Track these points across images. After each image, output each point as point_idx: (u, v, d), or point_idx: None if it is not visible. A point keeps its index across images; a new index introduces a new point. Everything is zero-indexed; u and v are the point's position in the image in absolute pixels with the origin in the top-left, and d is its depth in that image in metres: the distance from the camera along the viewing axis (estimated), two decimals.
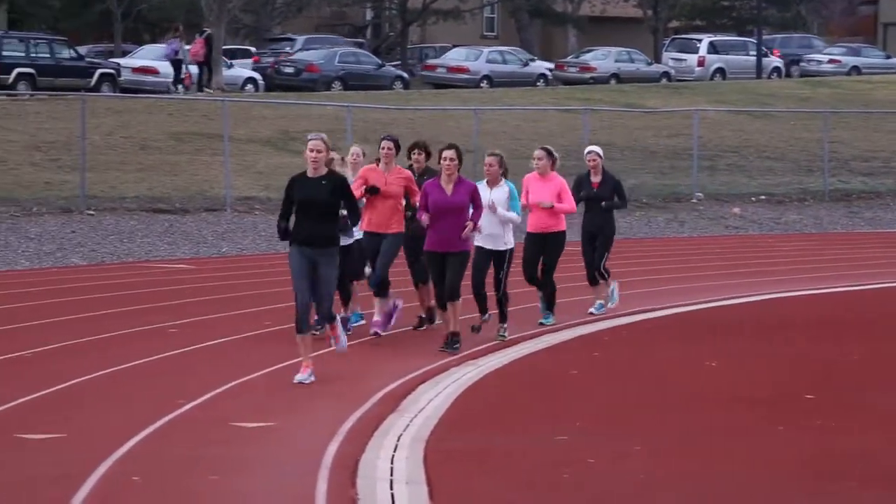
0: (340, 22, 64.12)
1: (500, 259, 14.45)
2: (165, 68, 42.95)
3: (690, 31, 62.60)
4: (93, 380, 11.99)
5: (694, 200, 31.45)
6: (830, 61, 56.97)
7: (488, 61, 50.25)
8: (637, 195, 31.11)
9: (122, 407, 10.93)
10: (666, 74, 53.11)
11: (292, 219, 12.00)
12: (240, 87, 43.96)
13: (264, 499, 8.55)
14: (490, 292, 14.53)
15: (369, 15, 64.75)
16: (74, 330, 14.57)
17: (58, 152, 29.33)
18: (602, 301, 16.48)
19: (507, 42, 61.11)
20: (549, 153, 15.47)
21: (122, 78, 41.08)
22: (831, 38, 63.71)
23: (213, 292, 17.84)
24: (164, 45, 43.60)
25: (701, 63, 53.95)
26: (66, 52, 40.41)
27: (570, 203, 15.35)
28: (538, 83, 49.96)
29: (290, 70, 46.19)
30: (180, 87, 41.67)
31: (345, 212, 12.10)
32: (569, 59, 54.23)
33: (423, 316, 15.07)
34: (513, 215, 14.36)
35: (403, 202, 14.35)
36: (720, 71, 54.10)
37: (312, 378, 11.81)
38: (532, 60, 51.71)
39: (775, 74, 55.39)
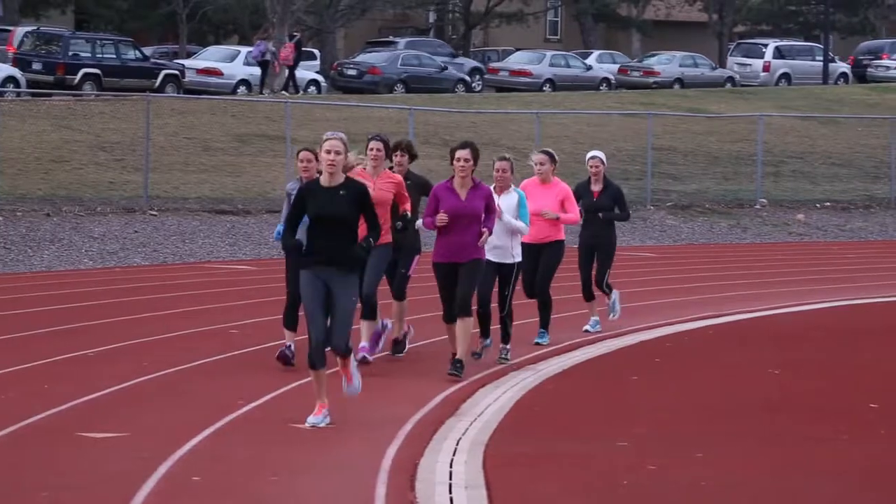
0: (404, 24, 64.23)
1: (507, 273, 13.05)
2: (229, 70, 43.24)
3: (756, 36, 62.20)
4: (154, 379, 12.04)
5: (757, 206, 31.22)
6: None
7: (551, 65, 50.16)
8: (699, 200, 30.93)
9: (183, 407, 10.97)
10: (730, 79, 52.80)
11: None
12: (303, 89, 44.15)
13: (323, 501, 8.54)
14: (495, 302, 13.18)
15: (432, 17, 64.81)
16: (136, 329, 14.65)
17: (122, 152, 29.56)
18: (597, 317, 15.41)
19: (570, 46, 60.96)
20: (552, 157, 14.27)
21: (186, 79, 41.36)
22: None
23: (273, 294, 17.88)
24: (252, 47, 44.25)
25: (766, 68, 53.59)
26: (132, 53, 40.74)
27: (575, 212, 14.27)
28: (601, 87, 49.80)
29: (352, 72, 46.32)
30: (266, 91, 42.13)
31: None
32: (632, 63, 54.02)
33: (399, 339, 13.45)
34: (521, 224, 13.02)
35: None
36: (785, 76, 53.72)
37: (328, 420, 10.22)
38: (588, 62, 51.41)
39: (842, 80, 54.92)
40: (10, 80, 36.99)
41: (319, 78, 45.88)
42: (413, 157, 13.27)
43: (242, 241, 23.80)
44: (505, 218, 12.81)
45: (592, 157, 15.36)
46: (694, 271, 22.04)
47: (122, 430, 10.04)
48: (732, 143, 36.08)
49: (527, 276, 13.97)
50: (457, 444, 9.99)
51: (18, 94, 35.81)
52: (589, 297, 15.43)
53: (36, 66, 38.85)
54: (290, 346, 12.54)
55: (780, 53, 54.57)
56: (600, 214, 15.16)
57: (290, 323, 12.54)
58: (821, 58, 54.34)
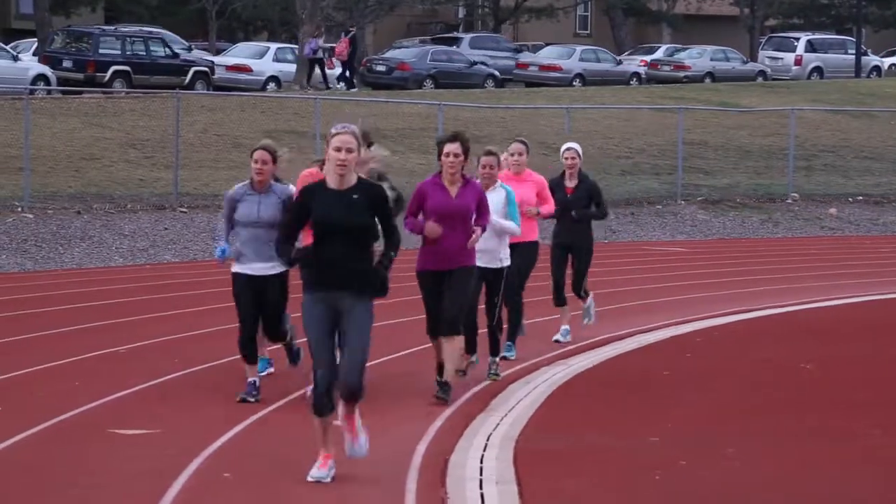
0: (433, 20, 64.20)
1: (495, 279, 11.73)
2: (259, 66, 43.31)
3: (787, 30, 61.91)
4: (186, 376, 12.05)
5: (789, 201, 31.07)
6: None
7: (581, 59, 50.05)
8: (731, 195, 30.80)
9: (215, 403, 10.97)
10: (762, 73, 52.57)
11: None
12: (333, 85, 44.19)
13: (354, 498, 8.52)
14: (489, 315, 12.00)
15: (461, 13, 64.77)
16: (167, 326, 14.67)
17: (152, 149, 29.62)
18: (568, 326, 14.15)
19: (600, 41, 60.84)
20: (528, 147, 12.96)
21: (215, 76, 41.45)
22: None
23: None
24: (305, 44, 44.70)
25: (798, 62, 53.32)
26: (162, 50, 40.84)
27: (552, 204, 13.00)
28: (631, 82, 49.66)
29: (381, 68, 46.32)
30: (319, 84, 42.59)
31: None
32: (662, 57, 53.87)
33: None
34: (511, 225, 11.73)
35: None
36: (818, 70, 53.45)
37: (333, 473, 8.60)
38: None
39: (874, 73, 54.59)
40: (41, 78, 37.14)
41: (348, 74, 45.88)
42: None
43: None
44: (494, 220, 11.44)
45: (568, 149, 14.03)
46: (725, 266, 21.94)
47: (153, 427, 10.05)
48: (764, 137, 35.92)
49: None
50: (487, 440, 9.96)
51: (49, 92, 35.95)
52: (560, 301, 14.11)
53: (66, 63, 39.00)
54: (255, 381, 11.00)
55: (812, 47, 54.29)
56: (573, 213, 13.89)
57: (252, 355, 11.04)
58: (853, 51, 54.03)
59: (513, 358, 12.86)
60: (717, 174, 32.68)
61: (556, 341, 14.08)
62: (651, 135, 34.45)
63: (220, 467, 9.02)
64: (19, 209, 24.18)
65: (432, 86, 45.08)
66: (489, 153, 11.87)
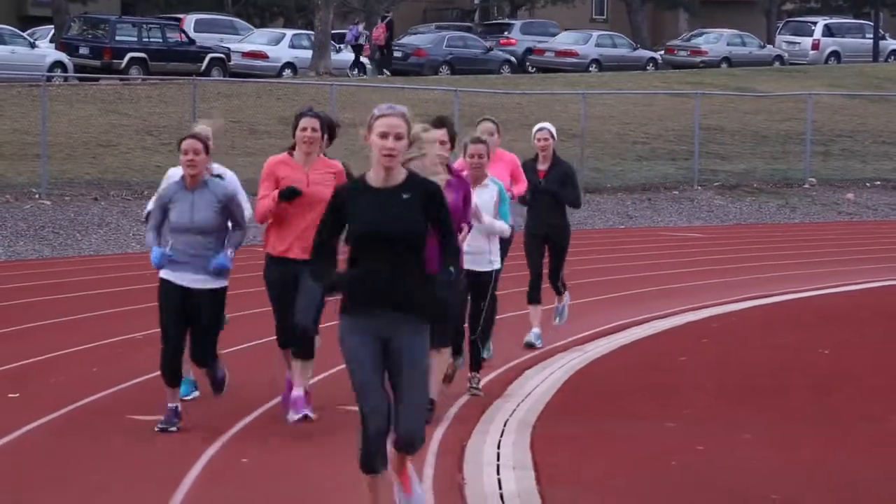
0: (448, 6, 64.12)
1: (483, 283, 10.42)
2: (275, 52, 43.33)
3: (805, 14, 61.70)
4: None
5: (806, 186, 31.01)
6: None
7: (597, 45, 49.95)
8: (748, 180, 30.75)
9: (234, 389, 10.97)
10: (779, 58, 52.41)
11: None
12: (347, 71, 44.21)
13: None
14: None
15: None
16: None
17: (169, 136, 29.65)
18: (539, 329, 13.01)
19: (616, 26, 60.71)
20: (499, 126, 11.85)
21: (231, 62, 41.47)
22: None
23: None
24: (348, 31, 45.40)
25: (815, 46, 53.15)
26: (177, 37, 40.88)
27: (525, 182, 12.23)
28: (648, 67, 49.55)
29: (397, 54, 46.30)
30: (356, 71, 43.04)
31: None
32: (679, 42, 53.74)
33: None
34: (503, 225, 10.50)
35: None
36: (835, 54, 53.26)
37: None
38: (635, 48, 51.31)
39: (892, 58, 54.39)
40: (58, 65, 37.21)
41: (365, 60, 45.89)
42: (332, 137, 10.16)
43: None
44: (486, 220, 10.29)
45: (540, 130, 12.85)
46: (742, 252, 21.90)
47: None
48: (781, 122, 35.83)
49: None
50: (504, 426, 9.98)
51: (66, 79, 36.03)
52: (535, 298, 12.94)
53: (83, 50, 39.07)
54: (176, 408, 9.57)
55: (829, 31, 54.10)
56: (541, 185, 12.62)
57: (175, 376, 9.49)
58: (871, 35, 53.81)
59: (488, 357, 11.34)
60: (734, 159, 32.62)
61: (530, 345, 12.86)
62: (668, 120, 34.39)
63: (238, 453, 9.05)
64: (37, 196, 24.25)
65: (448, 72, 45.06)
66: (478, 140, 10.45)
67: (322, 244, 6.90)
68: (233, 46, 43.30)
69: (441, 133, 9.46)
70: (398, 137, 6.77)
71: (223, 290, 9.45)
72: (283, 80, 39.62)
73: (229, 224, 9.47)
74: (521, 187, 12.23)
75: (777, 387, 11.64)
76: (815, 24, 54.55)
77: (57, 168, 25.86)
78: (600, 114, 33.15)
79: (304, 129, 9.71)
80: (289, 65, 43.50)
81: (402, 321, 6.79)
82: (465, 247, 9.23)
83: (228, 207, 9.41)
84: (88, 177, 26.14)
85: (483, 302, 10.49)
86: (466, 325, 10.61)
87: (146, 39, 39.90)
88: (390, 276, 6.75)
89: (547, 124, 13.07)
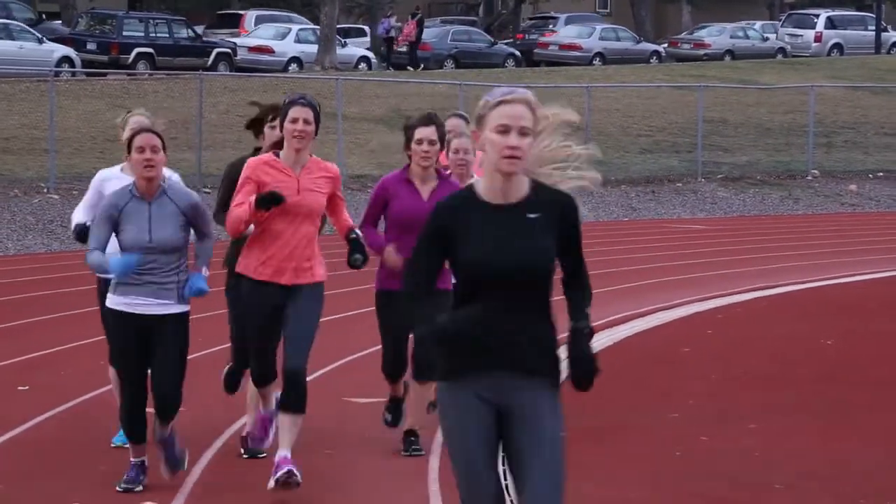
0: (452, 0, 64.12)
1: None
2: (281, 47, 43.41)
3: (807, 6, 61.66)
4: (209, 355, 12.15)
5: (809, 178, 31.06)
6: None
7: (601, 38, 49.96)
8: (751, 172, 30.80)
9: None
10: (782, 50, 52.41)
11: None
12: (353, 66, 44.25)
13: (376, 475, 8.62)
14: None
15: None
16: (193, 305, 14.75)
17: (175, 131, 29.68)
18: None
19: (620, 19, 60.69)
20: (467, 121, 9.79)
21: (238, 57, 41.56)
22: None
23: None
24: (379, 24, 46.16)
25: (818, 38, 53.13)
26: (184, 32, 40.97)
27: None
28: (651, 60, 49.58)
29: (402, 48, 46.35)
30: (385, 64, 43.62)
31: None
32: (682, 35, 53.76)
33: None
34: None
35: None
36: (837, 46, 53.26)
37: None
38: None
39: (895, 49, 54.38)
40: (66, 59, 37.32)
41: (369, 54, 45.95)
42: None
43: None
44: None
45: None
46: (745, 243, 21.98)
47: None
48: (784, 114, 35.87)
49: None
50: None
51: (73, 74, 36.13)
52: None
53: (90, 45, 39.17)
54: (142, 462, 8.03)
55: (831, 23, 54.09)
56: None
57: (139, 431, 7.84)
58: (873, 27, 53.80)
59: None
60: (737, 151, 32.67)
61: None
62: (671, 113, 34.43)
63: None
64: (45, 190, 24.35)
65: (453, 66, 45.11)
66: (463, 135, 9.12)
67: (420, 283, 5.17)
68: (238, 41, 43.41)
69: (430, 131, 8.45)
70: (523, 133, 4.95)
71: (186, 314, 7.73)
72: (289, 75, 39.70)
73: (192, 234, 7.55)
74: None
75: (781, 378, 11.71)
76: (817, 16, 54.53)
77: (65, 162, 25.95)
78: (604, 107, 33.20)
79: (296, 121, 7.85)
80: (295, 59, 43.56)
81: (525, 381, 5.26)
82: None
83: (193, 220, 7.60)
84: (96, 171, 26.17)
85: None
86: None
87: (153, 35, 39.99)
88: (509, 323, 5.12)
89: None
